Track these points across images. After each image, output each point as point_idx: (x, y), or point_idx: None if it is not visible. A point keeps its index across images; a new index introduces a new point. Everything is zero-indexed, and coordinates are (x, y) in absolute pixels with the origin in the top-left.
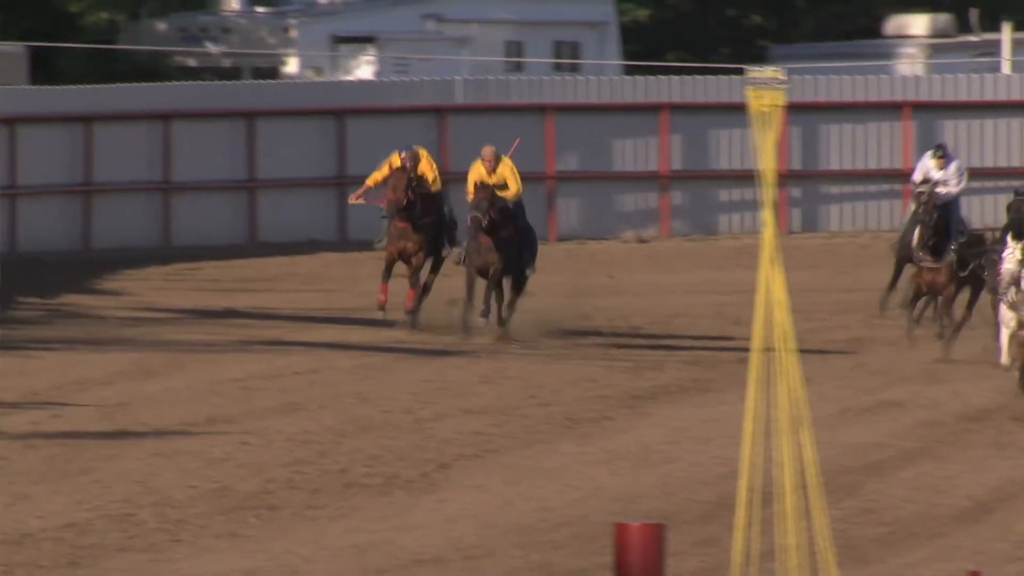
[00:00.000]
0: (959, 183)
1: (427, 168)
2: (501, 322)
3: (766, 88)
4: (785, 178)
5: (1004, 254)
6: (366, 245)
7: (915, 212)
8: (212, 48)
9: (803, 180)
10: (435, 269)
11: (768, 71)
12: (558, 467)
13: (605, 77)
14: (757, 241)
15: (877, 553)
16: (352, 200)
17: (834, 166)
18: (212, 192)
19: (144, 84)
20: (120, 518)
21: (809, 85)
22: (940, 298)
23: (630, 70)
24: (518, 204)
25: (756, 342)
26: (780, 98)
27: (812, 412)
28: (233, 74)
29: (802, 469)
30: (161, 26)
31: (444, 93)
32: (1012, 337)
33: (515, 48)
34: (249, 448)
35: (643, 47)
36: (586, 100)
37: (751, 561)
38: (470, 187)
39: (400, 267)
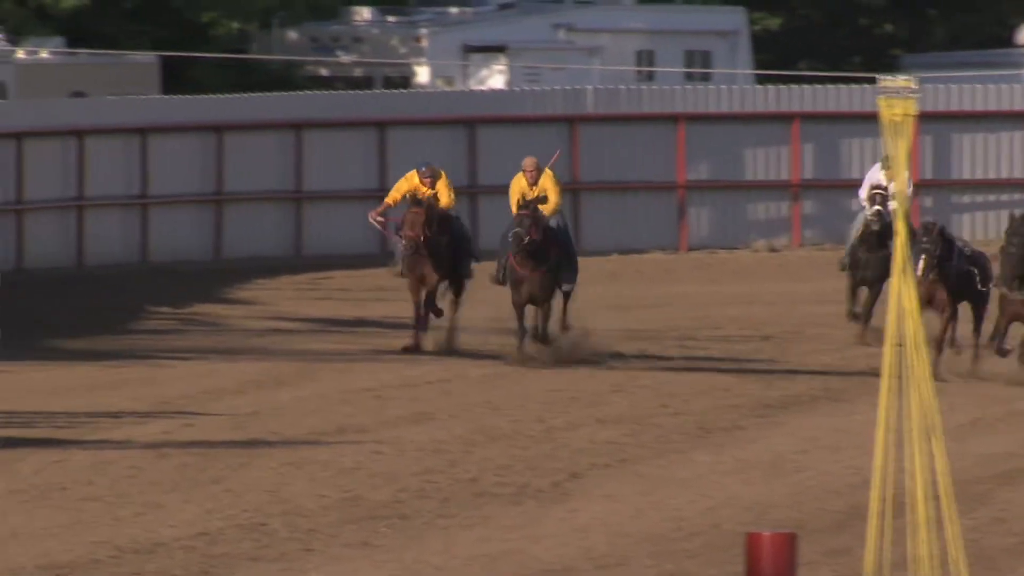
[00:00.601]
0: (908, 195)
1: (443, 187)
2: (541, 337)
3: (898, 97)
4: (917, 187)
5: None
6: (492, 255)
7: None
8: (343, 57)
9: (935, 189)
10: (457, 294)
11: (900, 80)
12: (690, 476)
13: (736, 86)
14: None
15: (1009, 563)
16: (372, 217)
17: (966, 175)
18: (343, 201)
19: (275, 94)
20: (251, 527)
21: (941, 94)
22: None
23: (761, 79)
24: (559, 218)
25: (888, 353)
26: (912, 107)
27: (943, 422)
28: (364, 83)
29: (934, 479)
30: (292, 36)
31: (575, 102)
32: None
33: (646, 57)
34: (380, 457)
35: (774, 56)
36: (717, 109)
37: (883, 571)
38: (513, 201)
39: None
